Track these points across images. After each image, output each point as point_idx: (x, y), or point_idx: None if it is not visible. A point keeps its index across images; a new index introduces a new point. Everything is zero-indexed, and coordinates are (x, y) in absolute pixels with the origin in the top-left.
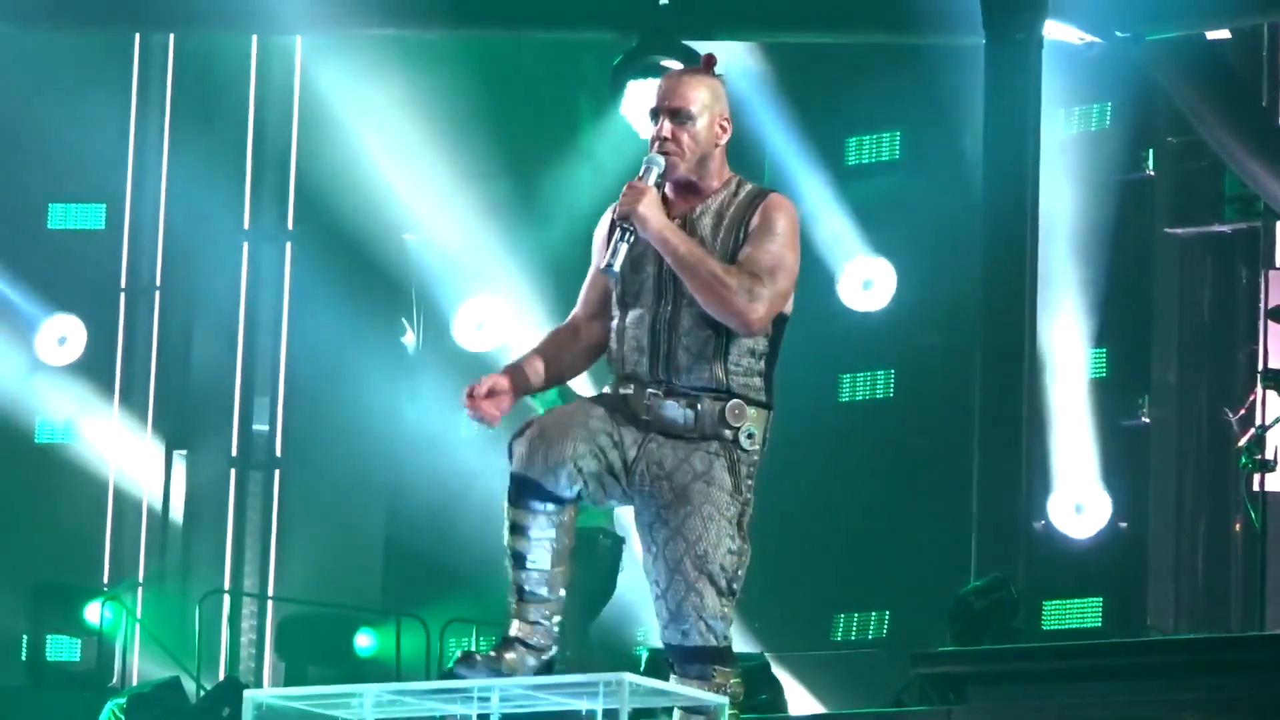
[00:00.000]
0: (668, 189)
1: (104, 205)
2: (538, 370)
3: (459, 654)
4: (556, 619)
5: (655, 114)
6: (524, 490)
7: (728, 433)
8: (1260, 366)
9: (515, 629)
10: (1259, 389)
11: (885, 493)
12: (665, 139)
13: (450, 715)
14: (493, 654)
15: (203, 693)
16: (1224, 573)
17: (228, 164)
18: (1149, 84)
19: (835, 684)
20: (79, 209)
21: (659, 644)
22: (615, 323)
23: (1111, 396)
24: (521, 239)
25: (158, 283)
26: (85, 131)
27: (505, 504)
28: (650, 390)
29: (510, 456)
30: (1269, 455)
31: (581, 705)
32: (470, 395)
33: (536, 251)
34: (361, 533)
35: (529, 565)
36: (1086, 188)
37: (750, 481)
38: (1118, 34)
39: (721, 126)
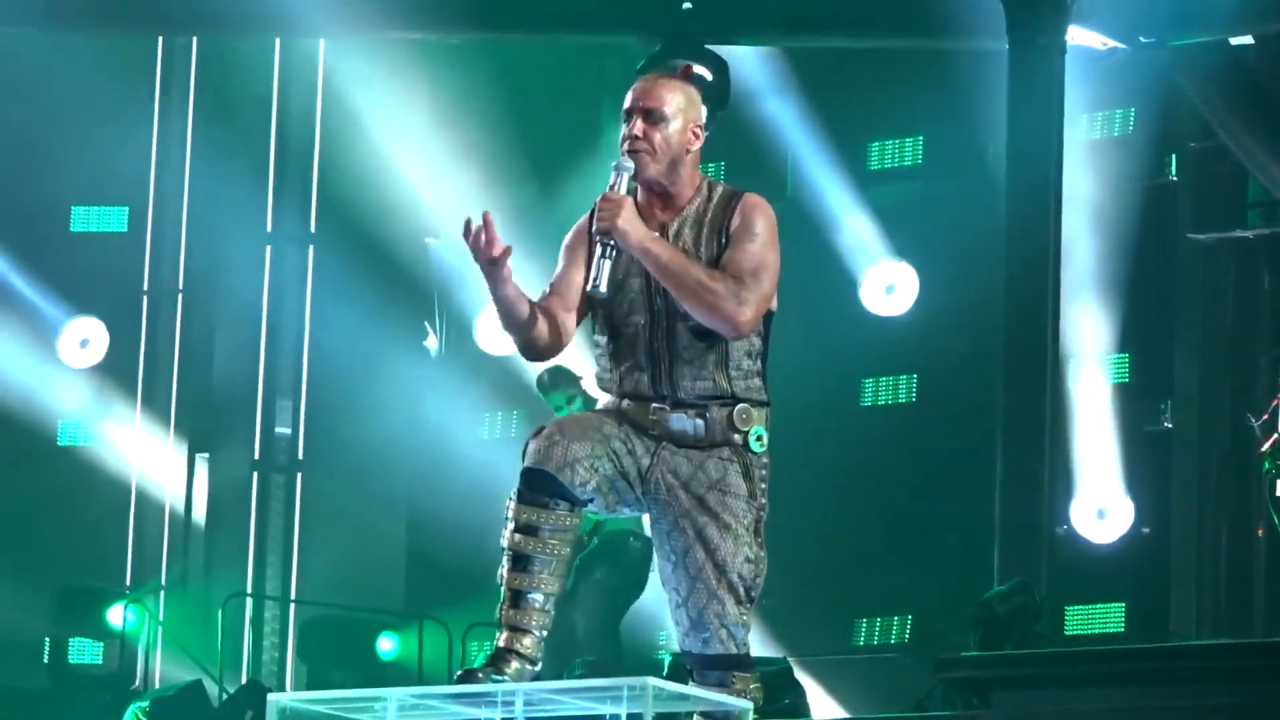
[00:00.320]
0: (642, 199)
1: (127, 208)
2: (526, 305)
3: (459, 673)
4: (545, 632)
5: (628, 115)
6: (536, 485)
7: (737, 437)
8: None
9: (509, 640)
10: None
11: (907, 497)
12: (636, 137)
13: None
14: (492, 668)
15: (225, 696)
16: (1246, 578)
17: (250, 167)
18: (1172, 89)
19: (857, 689)
20: (102, 212)
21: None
22: (605, 345)
23: (1134, 402)
24: (544, 243)
25: (180, 285)
26: (108, 134)
27: (511, 503)
28: (655, 406)
29: (524, 456)
30: None
31: (605, 709)
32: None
33: (559, 255)
34: (384, 535)
35: (531, 569)
36: (1110, 193)
37: (764, 485)
38: (1141, 39)
39: (694, 133)
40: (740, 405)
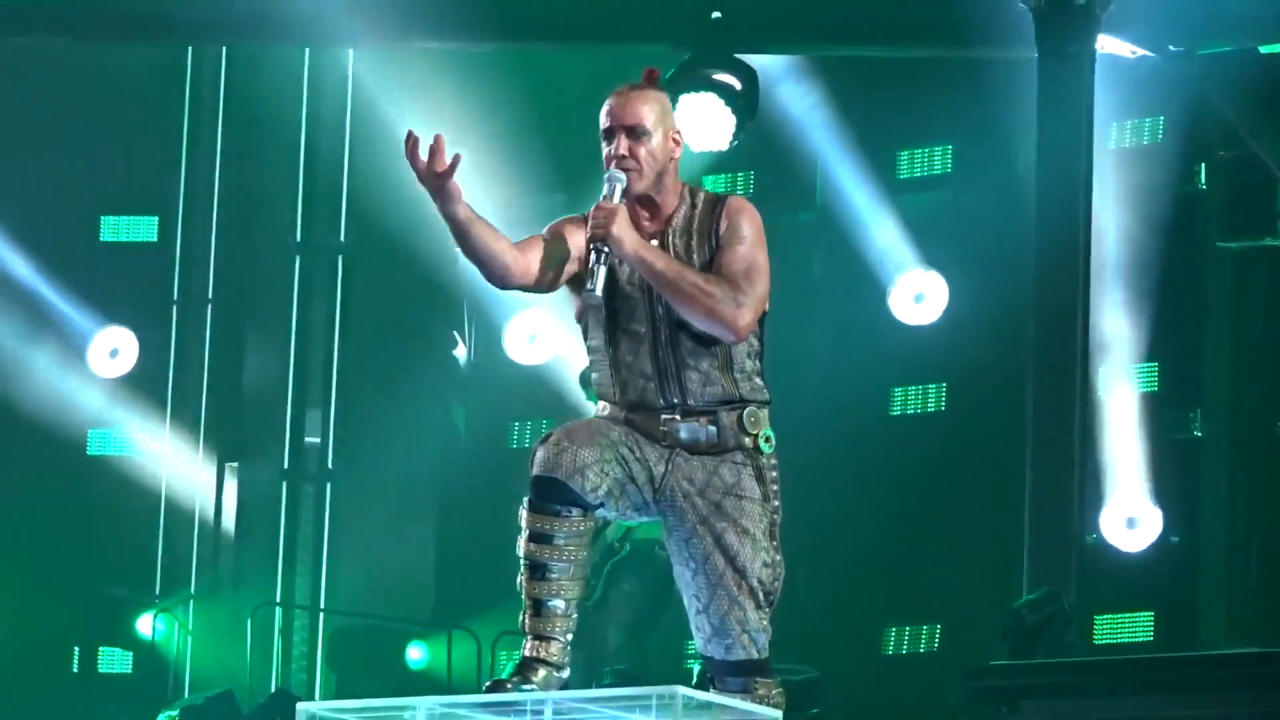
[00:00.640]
0: (629, 210)
1: (156, 218)
2: (483, 224)
3: (488, 683)
4: (570, 636)
5: (610, 134)
6: (547, 494)
7: (748, 440)
8: None
9: (534, 648)
10: None
11: (936, 506)
12: (624, 156)
13: None
14: (520, 677)
15: (255, 705)
16: (1276, 587)
17: (280, 176)
18: (1201, 98)
19: (886, 697)
20: (131, 221)
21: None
22: (606, 352)
23: (1163, 410)
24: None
25: (210, 295)
26: (137, 144)
27: (523, 512)
28: (665, 416)
29: (532, 463)
30: None
31: (635, 718)
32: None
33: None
34: (413, 545)
35: (550, 576)
36: (1139, 201)
37: (776, 488)
38: (1171, 48)
39: (674, 140)
40: (748, 408)
